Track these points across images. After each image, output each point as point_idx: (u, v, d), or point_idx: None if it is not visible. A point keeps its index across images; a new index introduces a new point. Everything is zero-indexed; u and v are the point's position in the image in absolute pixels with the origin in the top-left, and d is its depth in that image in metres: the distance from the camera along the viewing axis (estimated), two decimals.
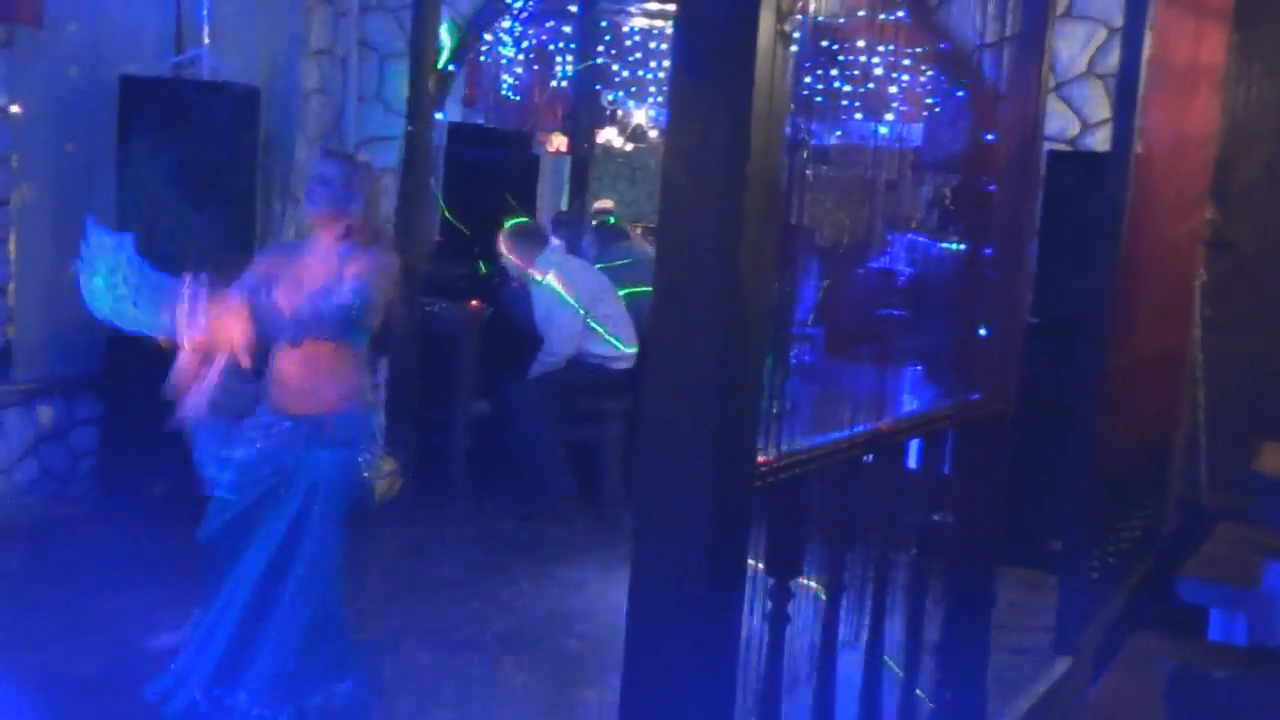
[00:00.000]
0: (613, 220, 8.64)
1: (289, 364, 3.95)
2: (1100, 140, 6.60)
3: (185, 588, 4.33)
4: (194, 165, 5.92)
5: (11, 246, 5.88)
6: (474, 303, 6.93)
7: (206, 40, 6.35)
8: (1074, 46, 6.83)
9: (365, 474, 4.07)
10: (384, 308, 3.98)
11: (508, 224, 6.93)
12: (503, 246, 6.90)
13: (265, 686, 3.86)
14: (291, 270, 3.99)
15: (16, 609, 4.45)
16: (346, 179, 4.02)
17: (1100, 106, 6.78)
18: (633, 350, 6.78)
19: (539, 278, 6.70)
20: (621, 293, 7.01)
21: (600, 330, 6.73)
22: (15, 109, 5.81)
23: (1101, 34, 6.82)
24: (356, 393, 4.02)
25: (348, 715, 3.98)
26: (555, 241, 7.28)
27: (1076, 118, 6.90)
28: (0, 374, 5.88)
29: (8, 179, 5.83)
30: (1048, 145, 5.90)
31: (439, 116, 7.13)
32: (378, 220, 4.14)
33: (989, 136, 3.93)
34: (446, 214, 7.56)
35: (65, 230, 6.12)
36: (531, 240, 6.89)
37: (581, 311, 6.66)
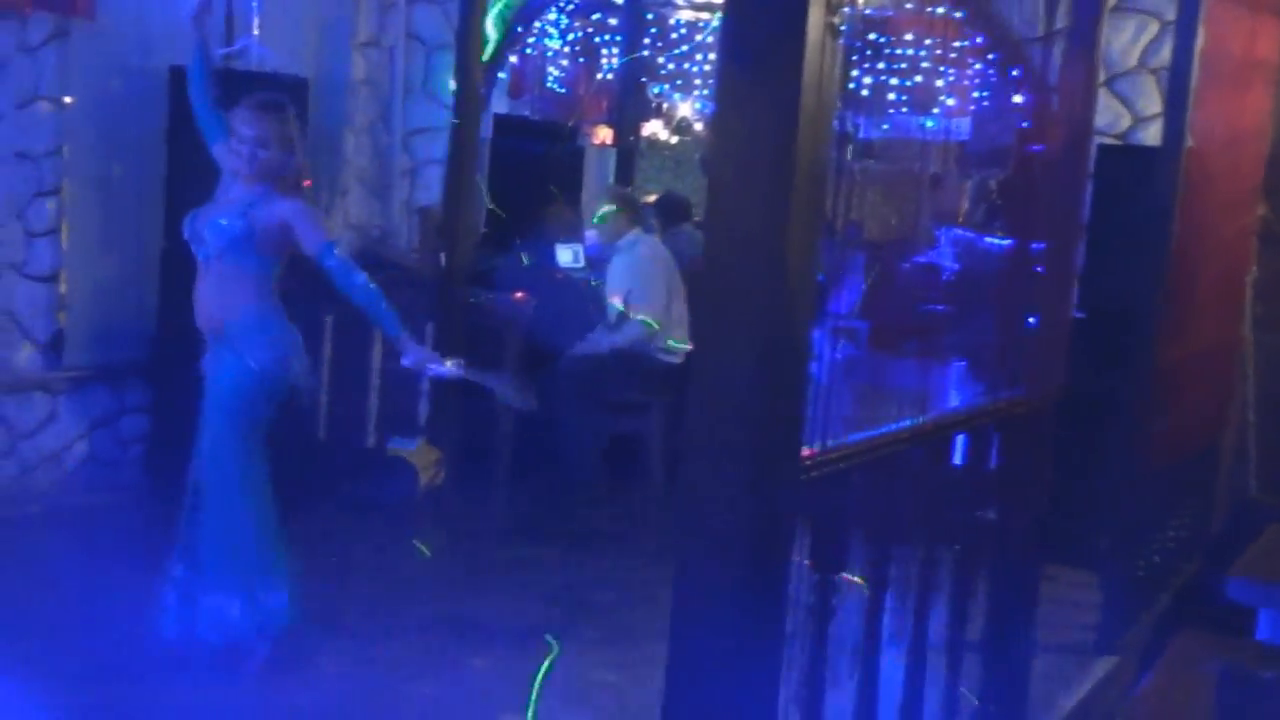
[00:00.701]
0: (677, 198, 8.54)
1: (204, 286, 4.25)
2: (1151, 135, 6.53)
3: None
4: None
5: (63, 236, 5.95)
6: (518, 294, 6.94)
7: (255, 31, 6.39)
8: (1125, 40, 6.76)
9: (272, 378, 4.24)
10: (286, 243, 4.22)
11: (607, 209, 6.97)
12: (600, 232, 6.98)
13: (213, 579, 4.20)
14: (218, 200, 4.30)
15: (65, 592, 4.51)
16: (282, 136, 4.25)
17: (1151, 100, 6.71)
18: (688, 348, 6.78)
19: (616, 302, 6.72)
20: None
21: (671, 343, 6.74)
22: (67, 100, 5.88)
23: (1153, 27, 6.75)
24: (255, 307, 4.23)
25: (275, 627, 4.25)
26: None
27: (1127, 112, 6.84)
28: (52, 361, 5.96)
29: (59, 169, 5.89)
30: (1098, 139, 5.85)
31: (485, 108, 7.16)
32: (298, 167, 4.35)
33: (1038, 130, 3.90)
34: (491, 205, 7.58)
35: (116, 220, 6.20)
36: (629, 216, 6.92)
37: (656, 326, 6.66)
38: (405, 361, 4.32)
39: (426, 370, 4.37)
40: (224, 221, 4.18)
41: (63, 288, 5.98)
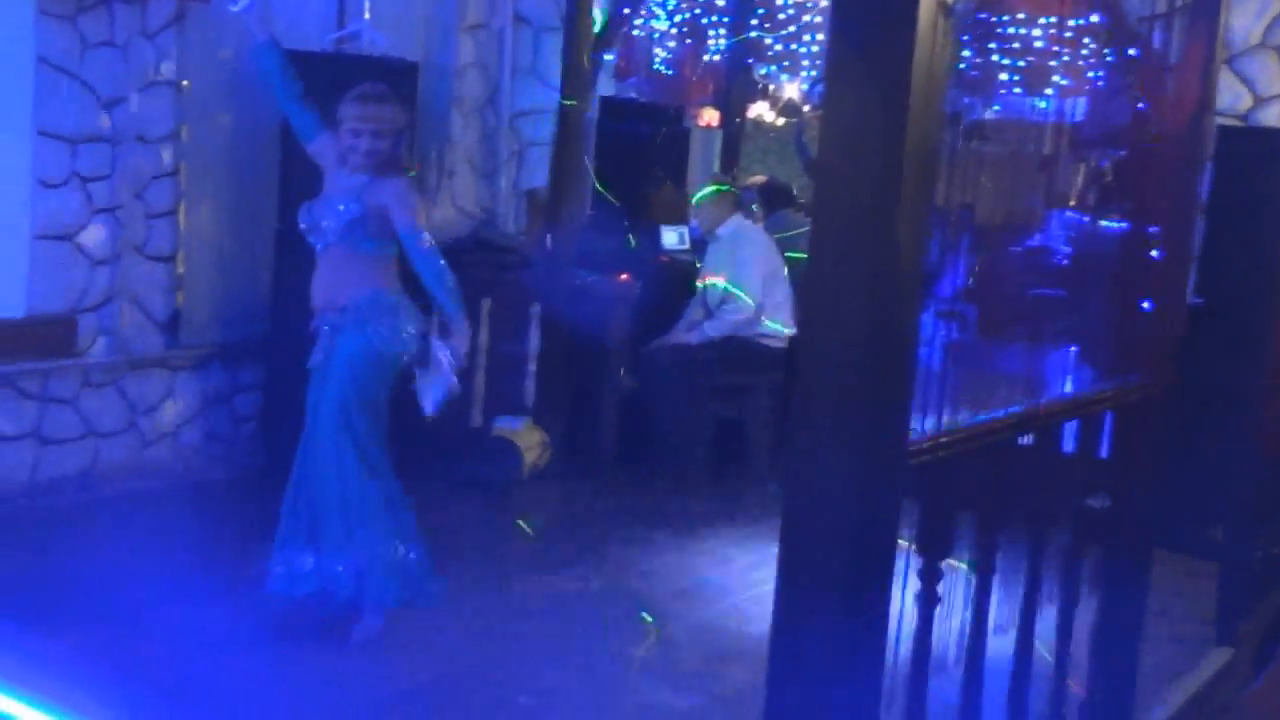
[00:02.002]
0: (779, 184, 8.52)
1: (322, 271, 4.39)
2: (1273, 115, 6.37)
3: None
4: None
5: (180, 217, 6.09)
6: (624, 276, 6.97)
7: (366, 15, 6.47)
8: (1248, 17, 6.58)
9: (392, 350, 4.35)
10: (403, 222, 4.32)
11: (708, 190, 6.99)
12: (700, 219, 7.01)
13: (329, 547, 4.31)
14: (328, 192, 4.40)
15: (180, 564, 4.63)
16: (394, 122, 4.37)
17: (1274, 80, 6.53)
18: (791, 332, 6.76)
19: (714, 280, 6.74)
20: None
21: (768, 324, 6.73)
22: (185, 83, 6.01)
23: (1277, 4, 6.56)
24: (374, 289, 4.35)
25: (406, 581, 4.35)
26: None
27: (1249, 91, 6.65)
28: (169, 340, 6.10)
29: (177, 151, 6.03)
30: (1218, 120, 5.70)
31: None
32: (404, 152, 4.52)
33: (1155, 111, 3.81)
34: (598, 187, 7.60)
35: (231, 201, 6.33)
36: (730, 201, 6.95)
37: (754, 304, 6.66)
38: (447, 344, 4.38)
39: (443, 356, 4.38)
40: (341, 206, 4.30)
41: (180, 268, 6.12)
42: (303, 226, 4.41)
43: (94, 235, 5.73)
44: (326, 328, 4.38)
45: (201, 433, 6.28)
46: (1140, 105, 3.87)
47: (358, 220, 4.29)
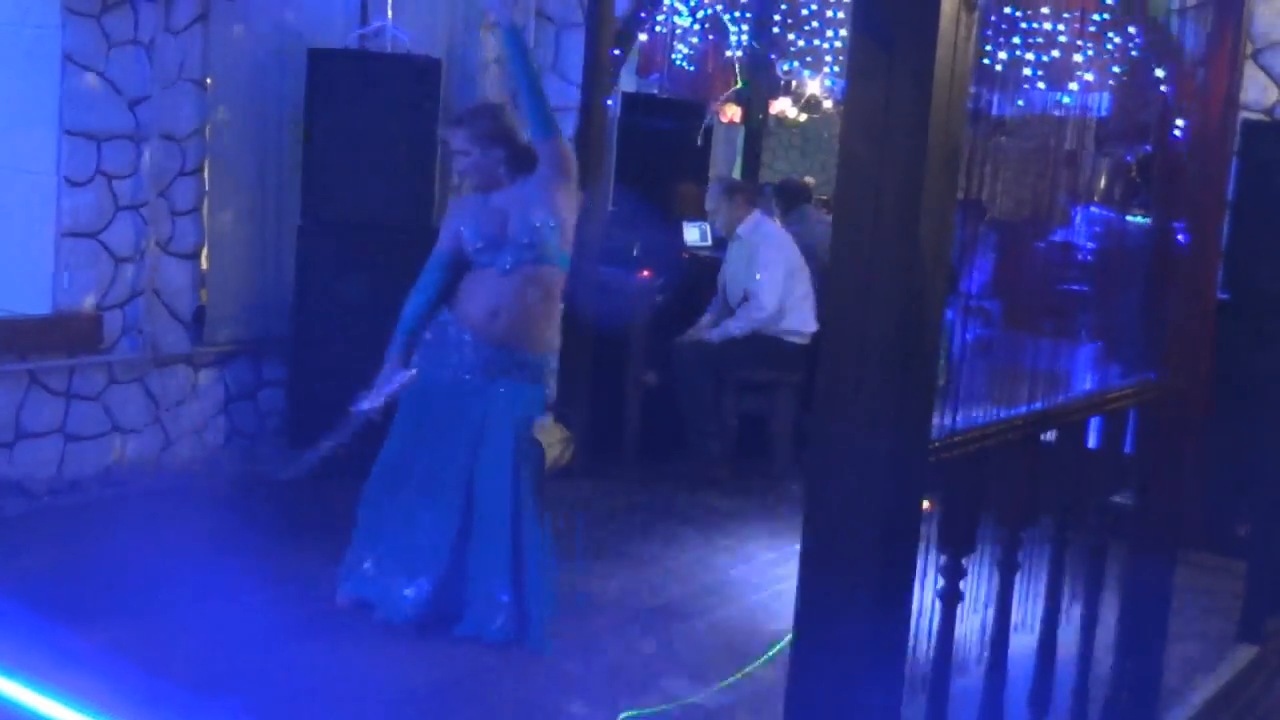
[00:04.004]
0: (796, 182, 8.52)
1: (510, 297, 4.13)
2: None
3: None
4: (377, 135, 6.08)
5: (204, 214, 6.12)
6: (646, 272, 6.96)
7: (390, 13, 6.48)
8: (1273, 10, 6.52)
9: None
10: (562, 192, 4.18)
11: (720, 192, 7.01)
12: (718, 221, 7.01)
13: (486, 607, 4.25)
14: (488, 211, 4.17)
15: (207, 561, 4.64)
16: (477, 138, 4.18)
17: None
18: (813, 329, 6.76)
19: (735, 277, 6.74)
20: None
21: (790, 321, 6.72)
22: (209, 81, 6.03)
23: None
24: (555, 340, 4.28)
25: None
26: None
27: (1275, 86, 6.60)
28: (193, 336, 6.13)
29: (201, 149, 6.05)
30: (1243, 114, 5.66)
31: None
32: (524, 146, 4.26)
33: (1181, 106, 3.79)
34: (620, 183, 7.60)
35: (255, 199, 6.35)
36: (746, 200, 6.96)
37: (776, 302, 6.65)
38: None
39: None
40: (537, 223, 4.09)
41: (204, 265, 6.15)
42: (478, 246, 4.14)
43: (119, 233, 5.76)
44: (486, 353, 4.20)
45: (225, 429, 6.31)
46: (1166, 100, 3.85)
47: (553, 229, 4.10)
